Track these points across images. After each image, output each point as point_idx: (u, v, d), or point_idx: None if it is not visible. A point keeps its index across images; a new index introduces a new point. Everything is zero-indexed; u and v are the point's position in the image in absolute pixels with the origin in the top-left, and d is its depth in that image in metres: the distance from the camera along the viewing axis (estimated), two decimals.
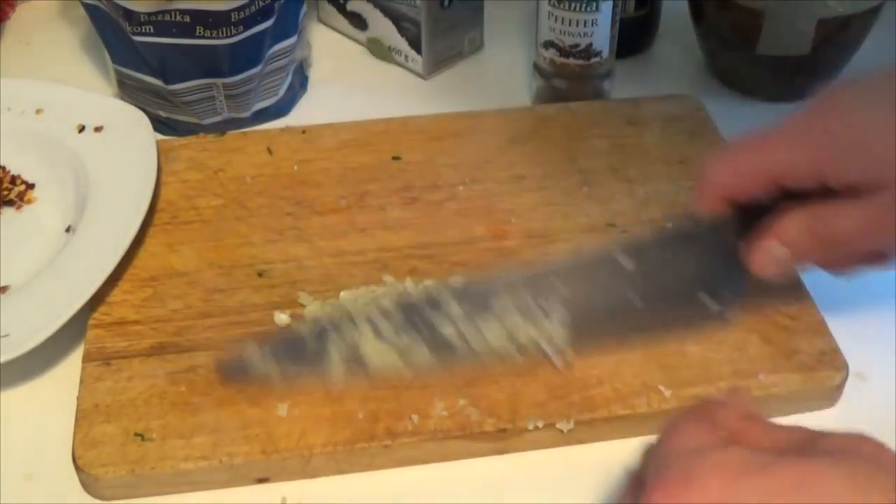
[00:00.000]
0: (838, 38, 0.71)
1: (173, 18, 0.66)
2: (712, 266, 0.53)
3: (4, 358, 0.53)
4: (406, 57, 0.79)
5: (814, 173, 0.48)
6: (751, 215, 0.50)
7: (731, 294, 0.53)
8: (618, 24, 0.71)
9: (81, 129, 0.68)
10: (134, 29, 0.67)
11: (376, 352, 0.52)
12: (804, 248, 0.50)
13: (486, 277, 0.53)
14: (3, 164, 0.68)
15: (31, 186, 0.67)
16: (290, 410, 0.52)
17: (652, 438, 0.54)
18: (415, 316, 0.52)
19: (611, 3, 0.69)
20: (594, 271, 0.52)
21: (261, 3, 0.68)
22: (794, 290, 0.59)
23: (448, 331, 0.52)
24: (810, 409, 0.55)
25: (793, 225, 0.49)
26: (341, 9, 0.82)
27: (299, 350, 0.52)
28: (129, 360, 0.55)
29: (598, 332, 0.54)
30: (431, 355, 0.52)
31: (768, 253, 0.50)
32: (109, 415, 0.52)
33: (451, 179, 0.66)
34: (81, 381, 0.54)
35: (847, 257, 0.52)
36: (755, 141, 0.50)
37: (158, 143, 0.66)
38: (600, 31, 0.71)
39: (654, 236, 0.54)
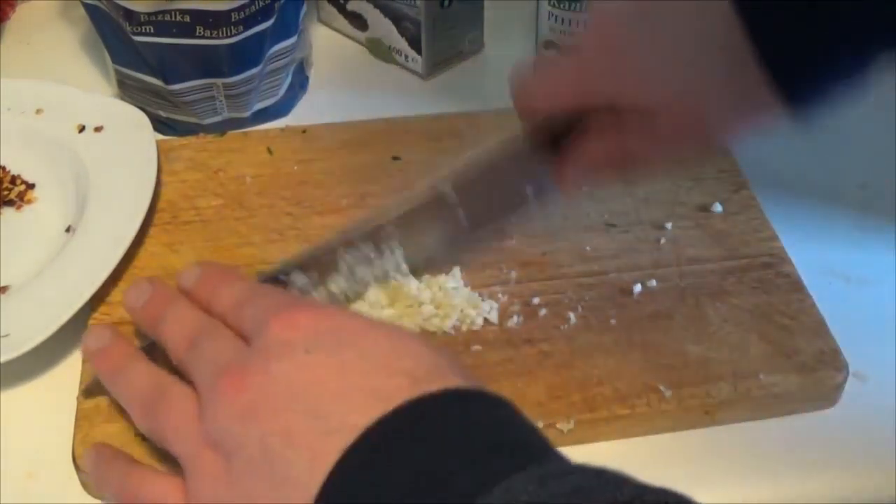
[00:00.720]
0: None
1: (173, 18, 0.66)
2: (529, 181, 0.56)
3: (4, 358, 0.53)
4: (406, 57, 0.79)
5: (605, 102, 0.50)
6: (557, 130, 0.53)
7: (541, 201, 0.56)
8: None
9: (81, 129, 0.68)
10: (134, 29, 0.67)
11: None
12: (606, 172, 0.53)
13: (326, 242, 0.55)
14: (3, 164, 0.68)
15: (31, 186, 0.67)
16: None
17: (652, 438, 0.54)
18: None
19: None
20: (424, 210, 0.55)
21: (261, 3, 0.68)
22: (794, 290, 0.59)
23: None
24: (810, 409, 0.55)
25: (594, 152, 0.52)
26: (341, 9, 0.82)
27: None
28: None
29: (433, 255, 0.57)
30: None
31: (576, 178, 0.54)
32: (109, 415, 0.52)
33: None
34: (81, 381, 0.54)
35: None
36: (543, 67, 0.53)
37: (158, 143, 0.66)
38: None
39: (476, 164, 0.56)
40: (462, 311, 0.57)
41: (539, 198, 0.56)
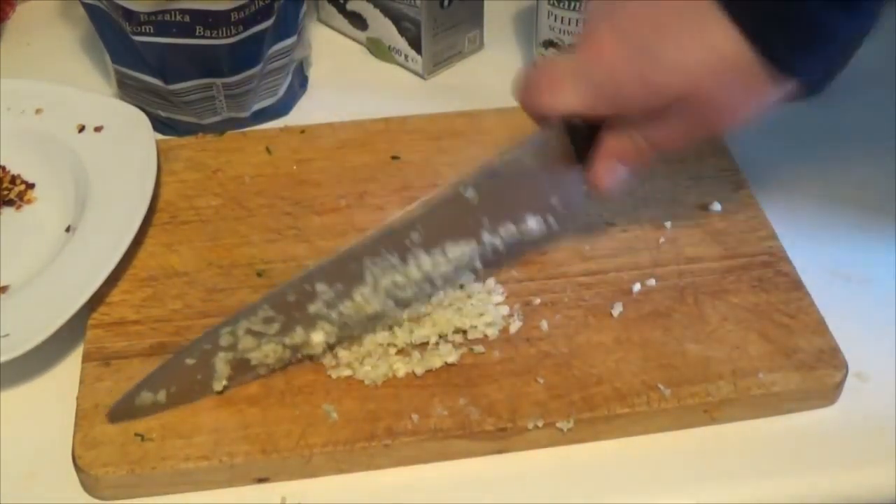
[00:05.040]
0: None
1: (173, 18, 0.66)
2: (549, 186, 0.56)
3: (4, 358, 0.53)
4: (406, 57, 0.79)
5: (609, 110, 0.51)
6: (579, 132, 0.53)
7: (566, 211, 0.57)
8: None
9: (81, 129, 0.68)
10: (134, 29, 0.67)
11: (254, 346, 0.52)
12: (637, 162, 0.54)
13: (350, 251, 0.53)
14: (3, 164, 0.68)
15: (31, 186, 0.67)
16: (289, 410, 0.53)
17: (651, 437, 0.54)
18: (288, 308, 0.53)
19: None
20: (439, 207, 0.54)
21: (261, 3, 0.68)
22: (793, 289, 0.59)
23: (315, 307, 0.53)
24: (810, 408, 0.55)
25: (618, 143, 0.53)
26: (341, 9, 0.82)
27: (182, 369, 0.52)
28: (128, 360, 0.55)
29: (459, 263, 0.56)
30: (306, 332, 0.53)
31: (613, 173, 0.54)
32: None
33: (451, 179, 0.66)
34: (81, 381, 0.54)
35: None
36: (546, 84, 0.53)
37: (158, 143, 0.66)
38: None
39: (497, 166, 0.55)
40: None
41: (564, 206, 0.56)
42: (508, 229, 0.55)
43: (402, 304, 0.55)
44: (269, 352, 0.53)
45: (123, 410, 0.52)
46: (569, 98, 0.52)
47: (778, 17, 0.46)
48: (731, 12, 0.46)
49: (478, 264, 0.56)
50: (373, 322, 0.55)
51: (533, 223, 0.56)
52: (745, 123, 0.51)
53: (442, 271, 0.55)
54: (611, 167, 0.54)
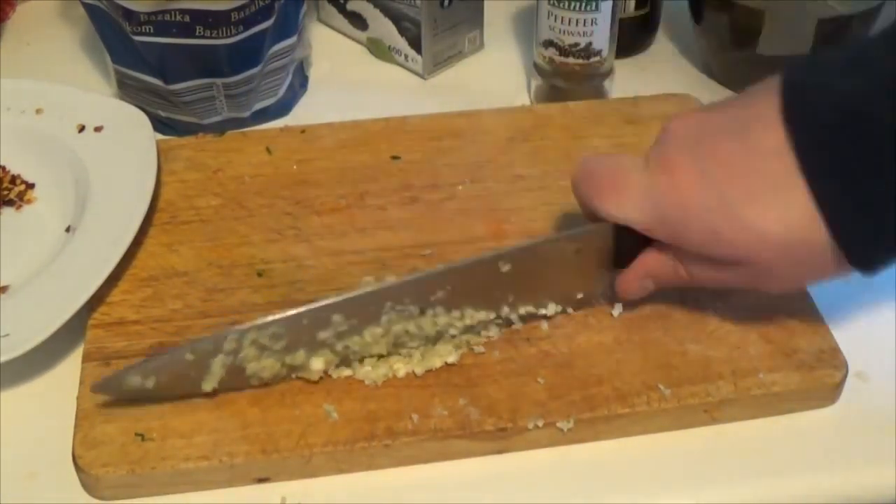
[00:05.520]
0: (838, 38, 0.71)
1: (173, 18, 0.66)
2: (579, 281, 0.56)
3: (4, 358, 0.53)
4: (406, 57, 0.79)
5: (667, 240, 0.51)
6: (625, 240, 0.54)
7: (591, 300, 0.57)
8: (617, 24, 0.72)
9: (81, 129, 0.68)
10: (134, 29, 0.67)
11: (254, 357, 0.52)
12: (667, 283, 0.54)
13: (374, 292, 0.53)
14: (3, 163, 0.68)
15: (31, 186, 0.67)
16: (289, 410, 0.53)
17: (652, 437, 0.54)
18: (298, 330, 0.52)
19: (610, 2, 0.69)
20: (472, 273, 0.54)
21: (261, 3, 0.68)
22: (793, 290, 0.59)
23: (324, 335, 0.52)
24: (810, 408, 0.55)
25: (659, 265, 0.53)
26: (341, 9, 0.82)
27: (178, 362, 0.52)
28: (128, 360, 0.55)
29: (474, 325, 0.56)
30: (307, 356, 0.53)
31: (643, 288, 0.55)
32: (109, 415, 0.52)
33: (451, 179, 0.66)
34: (81, 381, 0.54)
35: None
36: (612, 189, 0.52)
37: (158, 143, 0.66)
38: (600, 31, 0.71)
39: (538, 247, 0.55)
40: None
41: (588, 299, 0.57)
42: (528, 309, 0.56)
43: (402, 349, 0.55)
44: (266, 366, 0.53)
45: (109, 386, 0.51)
46: (630, 213, 0.51)
47: (862, 212, 0.45)
48: (818, 196, 0.45)
49: (482, 330, 0.56)
50: (371, 358, 0.55)
51: (552, 308, 0.56)
52: (792, 290, 0.52)
53: (452, 332, 0.55)
54: (642, 282, 0.54)
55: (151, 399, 0.52)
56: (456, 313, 0.54)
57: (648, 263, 0.54)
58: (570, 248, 0.55)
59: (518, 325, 0.57)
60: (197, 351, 0.51)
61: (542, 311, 0.56)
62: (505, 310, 0.55)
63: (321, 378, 0.54)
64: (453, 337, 0.55)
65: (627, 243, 0.54)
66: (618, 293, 0.56)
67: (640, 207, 0.51)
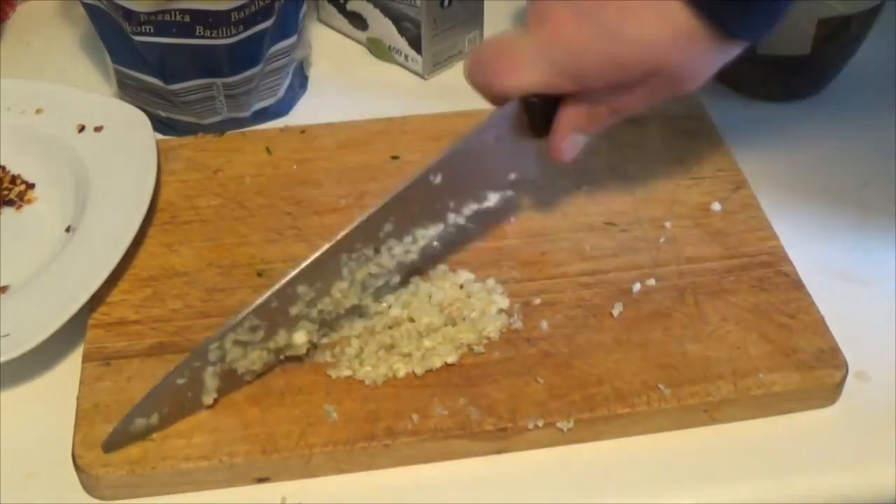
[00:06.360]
0: (838, 37, 0.71)
1: (173, 18, 0.66)
2: (508, 163, 0.57)
3: (4, 358, 0.53)
4: (406, 57, 0.79)
5: (572, 87, 0.52)
6: (535, 108, 0.54)
7: (525, 177, 0.58)
8: None
9: (81, 129, 0.68)
10: (134, 29, 0.67)
11: (241, 356, 0.52)
12: (595, 128, 0.55)
13: (327, 249, 0.54)
14: (3, 163, 0.68)
15: (31, 186, 0.67)
16: (289, 410, 0.53)
17: (651, 437, 0.54)
18: (271, 314, 0.53)
19: None
20: (409, 196, 0.55)
21: (261, 3, 0.68)
22: (793, 289, 0.59)
23: (296, 309, 0.53)
24: (810, 408, 0.55)
25: (578, 115, 0.54)
26: (341, 9, 0.82)
27: (172, 389, 0.52)
28: (128, 360, 0.55)
29: (431, 249, 0.58)
30: (288, 334, 0.53)
31: (573, 143, 0.55)
32: (109, 415, 0.52)
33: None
34: (81, 381, 0.54)
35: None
36: (503, 65, 0.53)
37: (158, 143, 0.66)
38: None
39: (460, 148, 0.56)
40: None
41: (523, 179, 0.58)
42: (471, 207, 0.57)
43: (377, 293, 0.56)
44: (255, 359, 0.53)
45: (118, 440, 0.51)
46: (529, 78, 0.52)
47: None
48: None
49: (436, 244, 0.57)
50: (350, 314, 0.56)
51: (493, 199, 0.57)
52: (704, 82, 0.52)
53: (412, 258, 0.56)
54: (570, 138, 0.55)
55: (162, 430, 0.52)
56: (408, 239, 0.56)
57: (568, 118, 0.54)
58: (489, 137, 0.55)
59: (518, 326, 0.57)
60: (185, 372, 0.51)
61: (486, 204, 0.57)
62: (451, 217, 0.56)
63: (325, 373, 0.54)
64: (413, 262, 0.56)
65: (540, 110, 0.54)
66: (555, 159, 0.56)
67: (535, 70, 0.51)
